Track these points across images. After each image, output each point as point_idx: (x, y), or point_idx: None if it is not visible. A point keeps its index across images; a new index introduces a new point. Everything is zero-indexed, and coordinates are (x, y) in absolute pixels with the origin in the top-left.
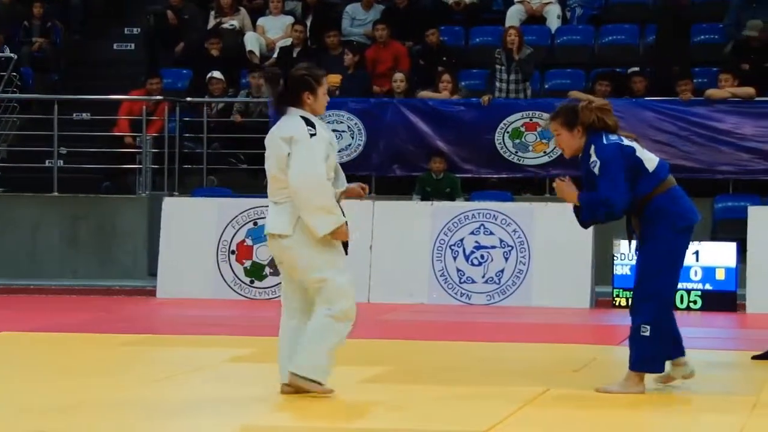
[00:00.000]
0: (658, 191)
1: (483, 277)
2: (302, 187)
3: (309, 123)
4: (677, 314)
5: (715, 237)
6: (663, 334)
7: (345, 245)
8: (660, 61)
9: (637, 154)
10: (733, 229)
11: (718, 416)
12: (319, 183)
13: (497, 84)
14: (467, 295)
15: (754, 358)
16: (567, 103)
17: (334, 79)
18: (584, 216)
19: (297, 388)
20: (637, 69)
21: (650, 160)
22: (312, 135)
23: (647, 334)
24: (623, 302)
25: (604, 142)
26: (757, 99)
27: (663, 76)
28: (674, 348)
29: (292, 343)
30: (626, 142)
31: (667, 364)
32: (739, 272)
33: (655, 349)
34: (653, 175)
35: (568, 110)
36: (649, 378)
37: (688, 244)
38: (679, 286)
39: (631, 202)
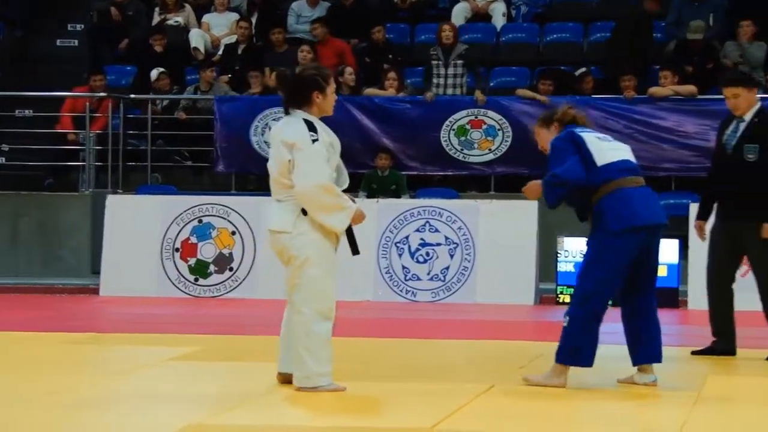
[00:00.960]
0: (605, 191)
1: (428, 274)
2: (309, 193)
3: (311, 128)
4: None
5: None
6: (585, 329)
7: (354, 245)
8: (614, 58)
9: (588, 145)
10: (676, 226)
11: (661, 410)
12: (324, 187)
13: (435, 80)
14: (412, 292)
15: (694, 353)
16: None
17: None
18: (548, 198)
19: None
20: (584, 69)
21: (604, 156)
22: (314, 141)
23: (566, 325)
24: (567, 299)
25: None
26: (698, 97)
27: (614, 74)
28: (637, 354)
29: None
30: (585, 131)
31: (634, 370)
32: (681, 269)
33: (573, 342)
34: (599, 171)
35: (547, 114)
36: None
37: (632, 245)
38: None
39: (585, 191)
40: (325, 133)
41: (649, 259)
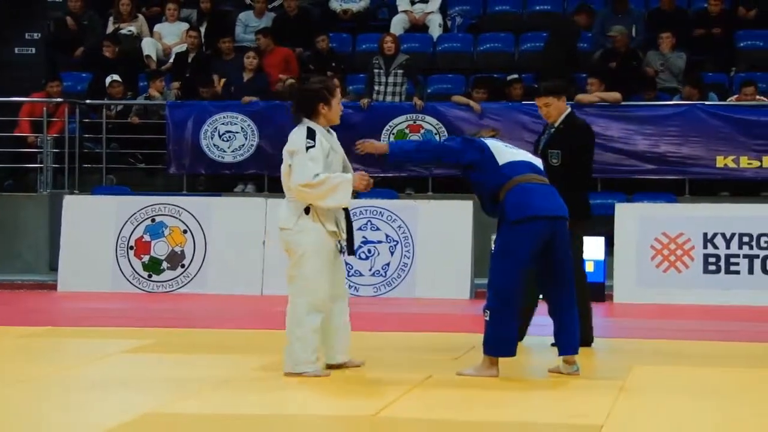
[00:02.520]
0: (507, 188)
1: (370, 270)
2: (299, 192)
3: (310, 135)
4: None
5: (585, 231)
6: (503, 320)
7: (351, 245)
8: (548, 67)
9: (491, 149)
10: (602, 225)
11: (588, 398)
12: (305, 185)
13: (376, 87)
14: (355, 287)
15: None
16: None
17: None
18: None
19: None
20: (516, 76)
21: (504, 157)
22: (309, 147)
23: (487, 318)
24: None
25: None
26: (622, 103)
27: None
28: (562, 345)
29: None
30: (492, 140)
31: (560, 360)
32: (607, 264)
33: (495, 334)
34: (501, 169)
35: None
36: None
37: (532, 234)
38: None
39: (491, 192)
40: (324, 138)
41: (557, 253)
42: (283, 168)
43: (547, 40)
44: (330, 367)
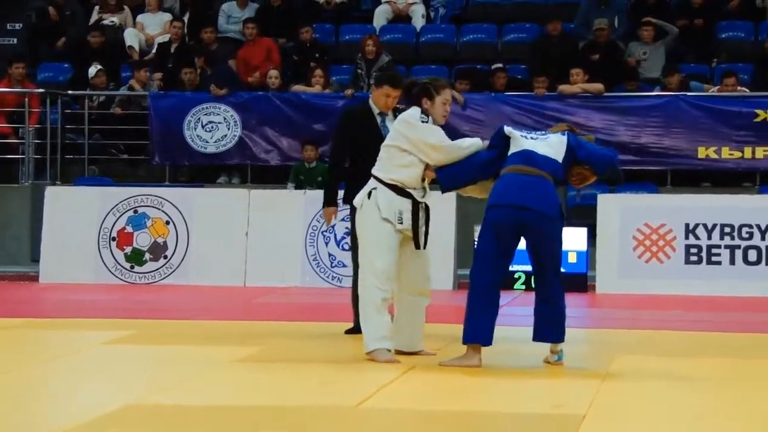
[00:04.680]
0: (499, 178)
1: (352, 260)
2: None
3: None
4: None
5: (567, 222)
6: (475, 308)
7: (416, 240)
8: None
9: (512, 140)
10: (584, 215)
11: (571, 387)
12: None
13: (360, 84)
14: (338, 278)
15: (347, 332)
16: None
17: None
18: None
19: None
20: (500, 65)
21: (515, 146)
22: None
23: (465, 307)
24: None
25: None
26: (605, 94)
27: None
28: (535, 333)
29: (397, 316)
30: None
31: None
32: (589, 255)
33: (468, 322)
34: (507, 160)
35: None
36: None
37: (489, 221)
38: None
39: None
40: None
41: (533, 245)
42: (385, 142)
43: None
44: (400, 353)
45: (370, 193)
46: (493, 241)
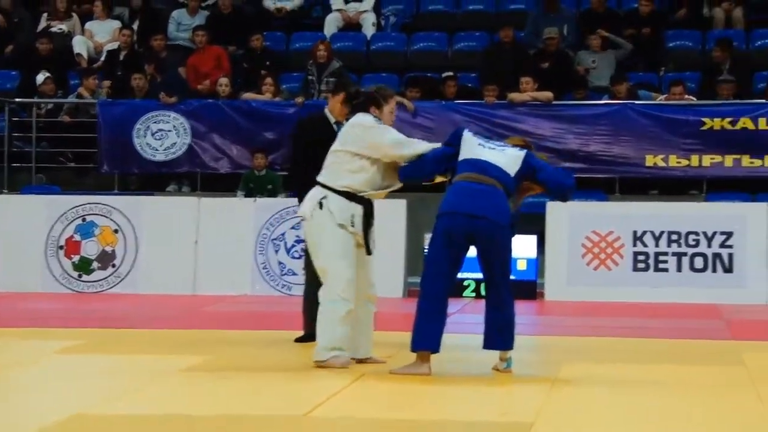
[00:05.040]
0: (450, 185)
1: (303, 269)
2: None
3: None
4: (481, 302)
5: (517, 230)
6: (422, 315)
7: (367, 245)
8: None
9: (464, 143)
10: (533, 223)
11: (519, 394)
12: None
13: (311, 91)
14: (288, 286)
15: (297, 340)
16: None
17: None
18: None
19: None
20: (451, 73)
21: (466, 153)
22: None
23: (414, 314)
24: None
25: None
26: (554, 102)
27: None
28: (486, 340)
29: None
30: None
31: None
32: (538, 263)
33: (419, 329)
34: (458, 163)
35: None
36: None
37: (438, 229)
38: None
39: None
40: None
41: (482, 253)
42: (333, 148)
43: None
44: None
45: (321, 203)
46: (444, 250)
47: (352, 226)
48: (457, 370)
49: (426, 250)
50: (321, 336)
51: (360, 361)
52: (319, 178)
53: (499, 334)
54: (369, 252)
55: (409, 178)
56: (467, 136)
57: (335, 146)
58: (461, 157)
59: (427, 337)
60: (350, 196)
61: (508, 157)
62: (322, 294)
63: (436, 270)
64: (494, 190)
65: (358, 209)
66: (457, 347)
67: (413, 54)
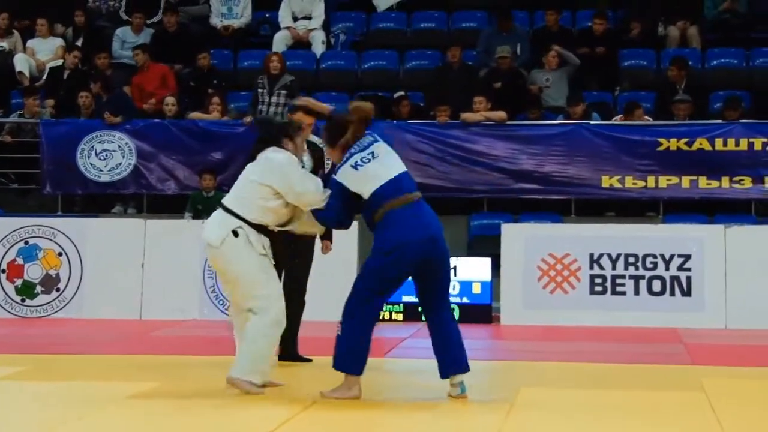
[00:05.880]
0: (379, 215)
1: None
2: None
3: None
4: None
5: (471, 252)
6: (352, 338)
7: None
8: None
9: (349, 186)
10: (488, 245)
11: (478, 418)
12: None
13: (260, 107)
14: None
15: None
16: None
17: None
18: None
19: (237, 387)
20: (403, 93)
21: (366, 185)
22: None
23: (339, 333)
24: (387, 315)
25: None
26: (507, 122)
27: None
28: (447, 366)
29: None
30: (345, 167)
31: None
32: (493, 286)
33: (343, 349)
34: (369, 201)
35: (330, 136)
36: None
37: (410, 259)
38: None
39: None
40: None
41: (440, 277)
42: (248, 177)
43: (438, 68)
44: (234, 382)
45: (236, 232)
46: (394, 280)
47: (270, 258)
48: (412, 396)
49: (361, 274)
50: (253, 358)
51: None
52: (231, 206)
53: (455, 360)
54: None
55: (342, 226)
56: (344, 176)
57: (256, 178)
58: (368, 193)
59: (354, 360)
60: (262, 229)
61: (392, 156)
62: (258, 320)
63: (380, 296)
64: (424, 203)
65: (267, 241)
66: (412, 372)
67: (364, 73)
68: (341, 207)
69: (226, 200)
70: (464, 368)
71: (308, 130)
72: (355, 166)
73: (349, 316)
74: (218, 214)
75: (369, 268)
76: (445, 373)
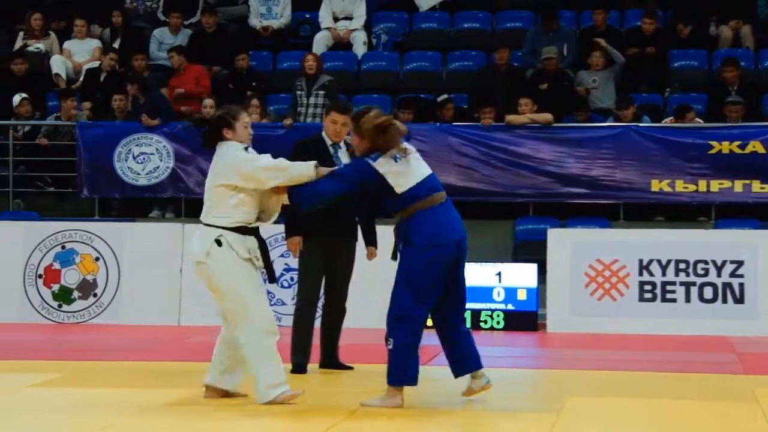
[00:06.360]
0: (410, 212)
1: (292, 299)
2: (266, 173)
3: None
4: (482, 333)
5: (516, 258)
6: (406, 348)
7: (271, 273)
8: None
9: (386, 178)
10: (534, 251)
11: (523, 428)
12: (277, 165)
13: (299, 109)
14: (278, 317)
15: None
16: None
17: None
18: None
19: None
20: (446, 96)
21: (403, 183)
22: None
23: (390, 347)
24: (430, 322)
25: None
26: (554, 125)
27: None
28: (467, 363)
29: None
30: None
31: (467, 378)
32: (539, 292)
33: (398, 363)
34: (401, 197)
35: (360, 119)
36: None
37: (434, 260)
38: (483, 306)
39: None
40: None
41: (460, 276)
42: (210, 184)
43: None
44: (210, 388)
45: (218, 241)
46: (440, 280)
47: (257, 259)
48: (456, 405)
49: (403, 275)
50: (262, 376)
51: (224, 393)
52: (206, 219)
53: (472, 357)
54: (273, 280)
55: (310, 206)
56: (382, 162)
57: (216, 181)
58: (401, 189)
59: (411, 372)
60: (242, 230)
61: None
62: (246, 333)
63: (424, 306)
64: (451, 202)
65: (253, 241)
66: (456, 380)
67: (406, 74)
68: (357, 187)
69: (202, 217)
70: (480, 363)
71: (344, 129)
72: (395, 158)
73: (397, 325)
74: (199, 230)
75: (408, 273)
76: (465, 370)
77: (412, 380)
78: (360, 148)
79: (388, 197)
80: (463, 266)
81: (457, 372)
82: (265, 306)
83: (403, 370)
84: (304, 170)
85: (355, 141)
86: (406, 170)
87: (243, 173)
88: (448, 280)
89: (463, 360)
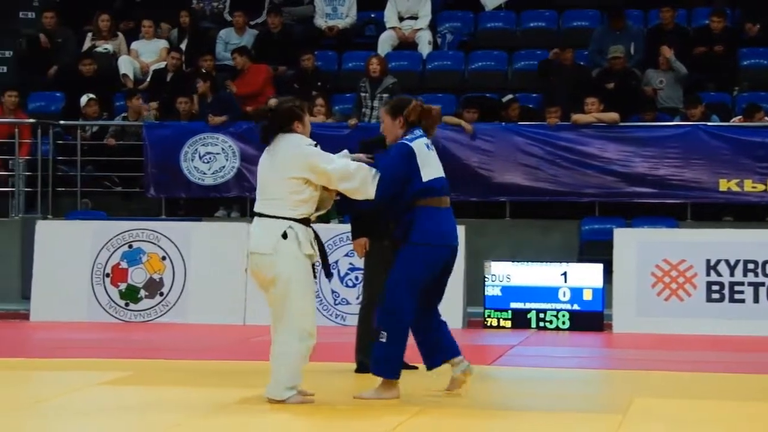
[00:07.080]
0: (420, 204)
1: (357, 298)
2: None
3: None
4: (547, 333)
5: (582, 258)
6: (398, 342)
7: (327, 268)
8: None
9: (417, 158)
10: (600, 251)
11: (588, 428)
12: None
13: (364, 110)
14: (342, 316)
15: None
16: (401, 97)
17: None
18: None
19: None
20: (512, 96)
21: (428, 172)
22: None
23: (383, 340)
24: (494, 322)
25: (406, 138)
26: (620, 124)
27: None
28: (445, 351)
29: None
30: (418, 140)
31: (447, 367)
32: (605, 293)
33: (392, 355)
34: (422, 185)
35: (396, 104)
36: (515, 393)
37: (442, 261)
38: (548, 306)
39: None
40: None
41: (445, 279)
42: (276, 176)
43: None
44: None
45: (285, 234)
46: (434, 278)
47: (316, 254)
48: (520, 405)
49: (403, 272)
50: (283, 374)
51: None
52: (268, 211)
53: (449, 345)
54: (329, 274)
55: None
56: (417, 145)
57: (285, 174)
58: (426, 177)
59: (396, 364)
60: (306, 222)
61: (436, 158)
62: (289, 330)
63: (415, 301)
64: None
65: (312, 234)
66: (520, 380)
67: (471, 73)
68: (403, 173)
69: (259, 207)
70: (458, 351)
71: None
72: (428, 146)
73: (389, 321)
74: (259, 221)
75: (406, 269)
76: (442, 359)
77: (397, 374)
78: (392, 132)
79: (409, 184)
80: (450, 273)
81: (432, 363)
82: (311, 308)
83: (397, 363)
84: (370, 189)
85: (386, 123)
86: (433, 161)
87: (318, 170)
88: (438, 281)
89: (440, 348)
